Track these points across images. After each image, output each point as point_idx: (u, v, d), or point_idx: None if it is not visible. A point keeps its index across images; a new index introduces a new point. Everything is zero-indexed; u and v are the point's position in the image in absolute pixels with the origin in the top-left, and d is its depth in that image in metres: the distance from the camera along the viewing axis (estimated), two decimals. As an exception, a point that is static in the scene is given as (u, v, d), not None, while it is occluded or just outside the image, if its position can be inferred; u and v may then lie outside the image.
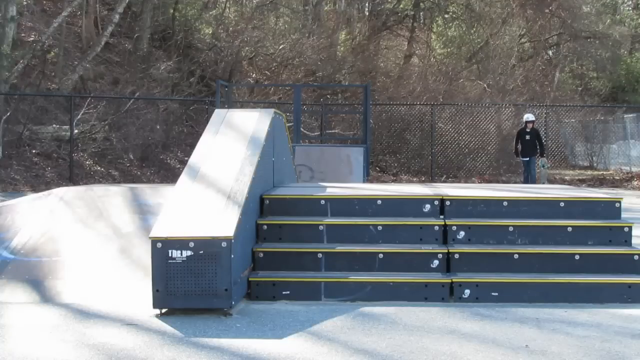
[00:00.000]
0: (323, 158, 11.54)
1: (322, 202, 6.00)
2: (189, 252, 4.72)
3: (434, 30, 28.62)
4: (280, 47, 22.67)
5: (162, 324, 4.60)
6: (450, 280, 5.31)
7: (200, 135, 6.34)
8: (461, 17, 27.32)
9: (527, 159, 14.47)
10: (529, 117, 14.81)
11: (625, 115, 23.05)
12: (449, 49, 27.59)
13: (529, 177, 14.43)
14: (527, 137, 14.52)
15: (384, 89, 23.33)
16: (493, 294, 5.28)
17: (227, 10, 24.65)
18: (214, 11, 23.88)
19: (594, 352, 4.09)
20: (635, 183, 17.48)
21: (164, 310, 4.84)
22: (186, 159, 14.14)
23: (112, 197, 6.83)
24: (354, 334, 4.44)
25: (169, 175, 16.20)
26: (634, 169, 19.56)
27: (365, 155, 11.72)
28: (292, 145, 10.24)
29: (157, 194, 6.75)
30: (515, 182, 16.80)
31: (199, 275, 4.72)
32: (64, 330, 4.47)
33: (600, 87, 32.34)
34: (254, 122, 6.39)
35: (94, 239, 6.05)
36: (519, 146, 14.60)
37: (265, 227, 5.78)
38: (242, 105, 19.44)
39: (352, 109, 20.44)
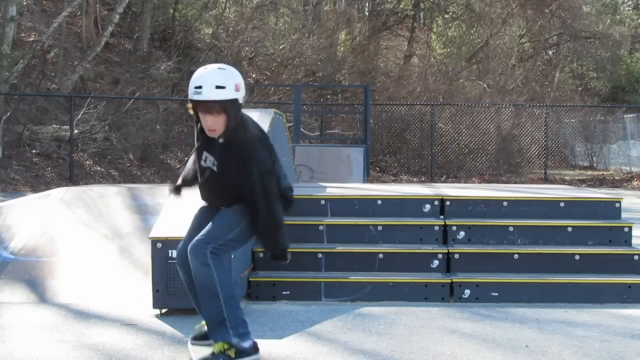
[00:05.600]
0: (323, 158, 11.54)
1: (322, 202, 5.99)
2: (189, 252, 4.70)
3: (434, 30, 28.65)
4: (280, 47, 22.68)
5: (162, 324, 4.60)
6: (450, 281, 5.31)
7: (200, 135, 6.31)
8: (461, 17, 27.35)
9: None
10: None
11: (625, 115, 23.08)
12: (449, 49, 27.63)
13: None
14: None
15: (384, 89, 23.33)
16: (493, 294, 5.27)
17: (227, 10, 24.67)
18: (214, 11, 23.89)
19: (594, 353, 4.09)
20: (635, 183, 17.47)
21: (164, 310, 4.84)
22: (186, 159, 14.14)
23: (112, 197, 6.84)
24: (354, 334, 4.44)
25: (169, 176, 16.19)
26: (634, 169, 19.56)
27: (365, 155, 11.71)
28: (292, 145, 10.23)
29: (156, 194, 6.74)
30: (515, 183, 16.80)
31: (199, 275, 4.70)
32: (63, 330, 4.47)
33: (600, 87, 32.36)
34: (254, 122, 6.37)
35: (94, 239, 6.04)
36: None
37: (265, 227, 5.76)
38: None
39: (352, 109, 20.43)
